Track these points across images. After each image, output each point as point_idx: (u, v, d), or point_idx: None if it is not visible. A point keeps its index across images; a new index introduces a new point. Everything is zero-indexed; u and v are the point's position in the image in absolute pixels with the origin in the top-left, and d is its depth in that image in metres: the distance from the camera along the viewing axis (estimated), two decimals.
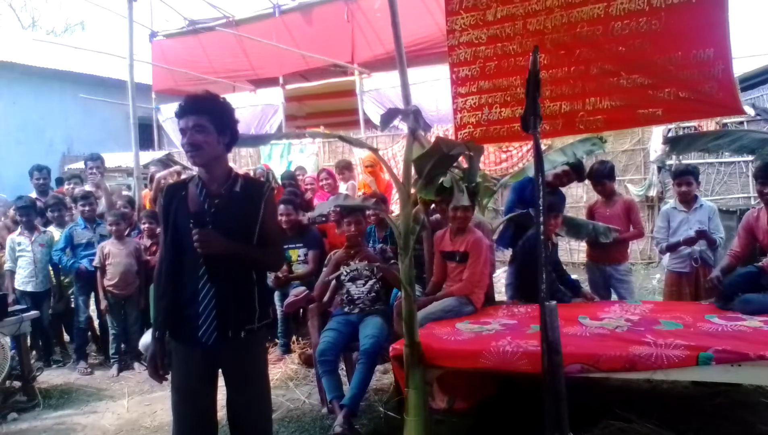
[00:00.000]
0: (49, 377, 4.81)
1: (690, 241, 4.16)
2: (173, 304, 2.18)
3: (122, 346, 5.12)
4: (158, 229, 4.99)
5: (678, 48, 3.07)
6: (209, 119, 2.13)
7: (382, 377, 4.23)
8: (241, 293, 2.16)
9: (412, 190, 3.08)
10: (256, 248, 2.15)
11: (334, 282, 3.99)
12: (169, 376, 2.25)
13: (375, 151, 3.82)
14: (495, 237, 4.70)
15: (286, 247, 5.01)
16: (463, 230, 3.80)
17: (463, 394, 3.48)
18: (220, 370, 2.22)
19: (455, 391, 3.46)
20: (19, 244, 5.10)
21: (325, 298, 4.09)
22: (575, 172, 4.58)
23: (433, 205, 4.28)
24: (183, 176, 5.02)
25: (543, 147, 2.84)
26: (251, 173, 6.91)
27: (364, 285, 3.88)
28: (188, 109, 2.13)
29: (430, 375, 3.03)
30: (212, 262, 2.10)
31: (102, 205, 5.57)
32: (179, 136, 2.19)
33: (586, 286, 4.54)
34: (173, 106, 11.33)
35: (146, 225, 5.21)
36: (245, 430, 2.22)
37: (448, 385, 3.42)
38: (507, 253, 5.46)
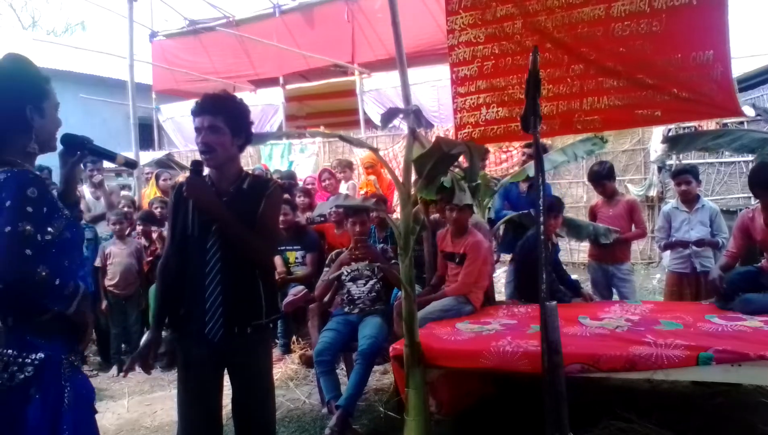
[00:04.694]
0: None
1: (687, 245, 4.17)
2: (179, 300, 2.18)
3: (122, 346, 5.12)
4: (152, 230, 5.04)
5: (678, 50, 3.07)
6: (224, 120, 2.11)
7: (382, 377, 4.23)
8: (248, 289, 2.15)
9: (412, 190, 3.09)
10: (244, 227, 2.09)
11: (335, 282, 3.99)
12: (156, 370, 2.25)
13: (375, 151, 3.83)
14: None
15: (283, 248, 5.01)
16: (463, 231, 3.81)
17: (454, 398, 3.48)
18: (225, 369, 2.23)
19: (447, 395, 3.46)
20: None
21: (326, 298, 4.09)
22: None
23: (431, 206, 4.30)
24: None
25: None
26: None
27: (364, 285, 3.88)
28: (204, 108, 2.12)
29: (430, 375, 3.03)
30: (220, 259, 2.11)
31: (101, 206, 5.58)
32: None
33: (586, 286, 4.55)
34: (173, 106, 11.40)
35: (140, 227, 5.21)
36: (250, 429, 2.22)
37: (440, 388, 3.41)
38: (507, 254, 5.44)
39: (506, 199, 4.85)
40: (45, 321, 1.63)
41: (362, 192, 6.12)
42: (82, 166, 2.16)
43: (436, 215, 4.39)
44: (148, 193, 6.64)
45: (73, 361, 1.70)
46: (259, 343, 2.22)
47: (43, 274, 1.56)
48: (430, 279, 4.12)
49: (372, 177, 6.70)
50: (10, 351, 1.59)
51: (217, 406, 2.22)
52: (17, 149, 1.67)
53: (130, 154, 7.02)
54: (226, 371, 2.23)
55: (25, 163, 1.67)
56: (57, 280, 1.61)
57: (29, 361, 1.59)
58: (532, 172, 4.17)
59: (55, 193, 1.76)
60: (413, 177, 3.05)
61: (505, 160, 8.76)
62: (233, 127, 2.14)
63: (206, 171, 2.24)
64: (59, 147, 1.88)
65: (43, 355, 1.61)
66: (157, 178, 6.61)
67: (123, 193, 7.08)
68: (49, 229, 1.60)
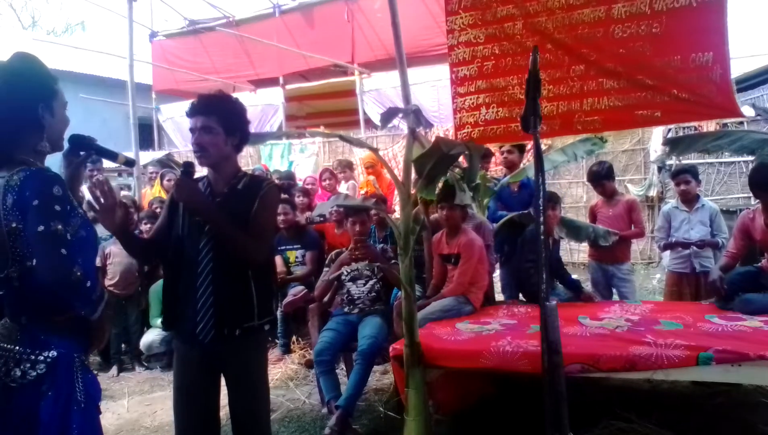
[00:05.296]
0: None
1: (687, 246, 4.18)
2: (173, 299, 2.19)
3: (122, 346, 5.12)
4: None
5: (677, 51, 3.08)
6: (218, 120, 2.11)
7: (382, 377, 4.23)
8: (240, 290, 2.13)
9: (412, 190, 3.09)
10: (235, 227, 2.07)
11: (335, 282, 3.99)
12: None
13: (375, 151, 3.84)
14: None
15: (283, 248, 5.01)
16: (456, 232, 3.81)
17: (454, 398, 3.48)
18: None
19: (447, 395, 3.46)
20: None
21: (326, 299, 4.09)
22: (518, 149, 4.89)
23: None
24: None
25: (543, 147, 2.84)
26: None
27: (364, 285, 3.88)
28: (198, 109, 2.13)
29: (430, 375, 3.03)
30: (212, 260, 2.11)
31: None
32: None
33: (586, 286, 4.54)
34: (173, 106, 11.37)
35: (147, 226, 5.20)
36: (244, 431, 2.22)
37: (440, 388, 3.40)
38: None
39: (499, 200, 4.87)
40: (61, 321, 1.64)
41: (362, 192, 6.14)
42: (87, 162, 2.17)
43: (436, 215, 4.39)
44: (153, 193, 6.65)
45: (84, 361, 1.71)
46: (253, 345, 2.20)
47: (78, 274, 1.57)
48: (430, 279, 4.12)
49: (372, 177, 6.71)
50: (23, 348, 1.60)
51: (213, 407, 2.21)
52: (29, 148, 1.67)
53: (130, 154, 7.03)
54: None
55: (38, 162, 1.67)
56: (88, 283, 1.62)
57: (42, 358, 1.60)
58: (532, 173, 4.17)
59: None
60: (413, 177, 3.05)
61: (493, 155, 8.73)
62: (227, 127, 2.14)
63: (204, 171, 2.24)
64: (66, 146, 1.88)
65: (55, 353, 1.61)
66: (162, 178, 6.62)
67: (123, 193, 7.08)
68: (67, 227, 1.61)
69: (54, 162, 1.87)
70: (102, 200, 1.99)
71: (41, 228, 1.53)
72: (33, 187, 1.57)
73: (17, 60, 1.69)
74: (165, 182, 6.46)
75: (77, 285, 1.57)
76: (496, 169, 8.59)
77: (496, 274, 4.96)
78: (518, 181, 4.72)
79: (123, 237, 2.17)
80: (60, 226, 1.56)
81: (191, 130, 2.14)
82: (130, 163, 2.22)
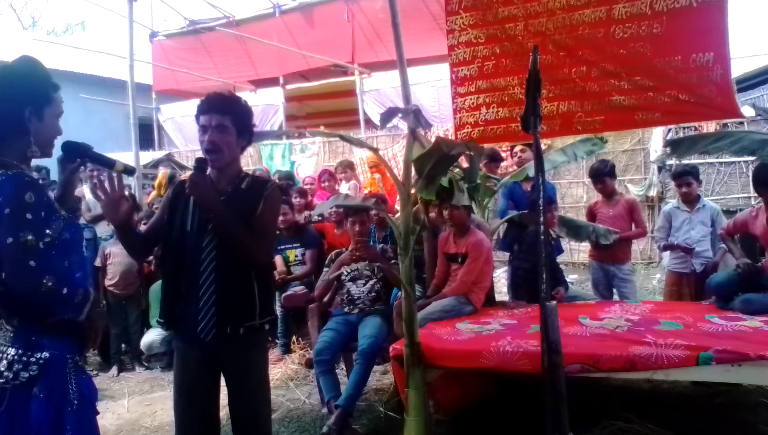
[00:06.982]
0: None
1: (687, 251, 4.18)
2: (174, 298, 2.18)
3: (122, 346, 5.12)
4: None
5: (678, 52, 3.08)
6: (232, 120, 2.12)
7: (382, 377, 4.23)
8: (242, 289, 2.14)
9: (412, 190, 3.09)
10: (242, 227, 2.08)
11: (335, 282, 3.99)
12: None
13: (375, 150, 3.83)
14: (494, 238, 4.70)
15: (283, 247, 5.01)
16: (465, 231, 3.81)
17: (454, 398, 3.48)
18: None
19: (447, 395, 3.46)
20: None
21: (326, 298, 4.09)
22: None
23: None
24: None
25: (543, 147, 2.84)
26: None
27: (364, 285, 3.88)
28: (213, 107, 2.12)
29: (430, 375, 3.03)
30: (215, 259, 2.10)
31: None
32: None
33: (587, 287, 4.54)
34: (173, 106, 11.32)
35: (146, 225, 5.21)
36: (244, 431, 2.22)
37: (440, 388, 3.40)
38: (506, 254, 5.45)
39: (510, 198, 4.86)
40: (51, 323, 1.63)
41: (366, 190, 6.13)
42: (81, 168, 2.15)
43: (433, 214, 4.38)
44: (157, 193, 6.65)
45: (78, 361, 1.71)
46: (253, 345, 2.20)
47: (50, 284, 1.55)
48: (430, 279, 4.12)
49: (377, 175, 6.72)
50: (15, 350, 1.60)
51: (213, 407, 2.21)
52: (14, 151, 1.66)
53: (130, 154, 7.05)
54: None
55: (21, 165, 1.65)
56: (65, 290, 1.60)
57: (34, 360, 1.59)
58: (531, 172, 4.18)
59: (51, 195, 1.75)
60: (413, 177, 3.05)
61: (505, 160, 8.75)
62: (240, 128, 2.15)
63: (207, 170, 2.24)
64: (58, 154, 1.87)
65: (48, 355, 1.61)
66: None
67: None
68: (48, 231, 1.59)
69: (53, 164, 1.87)
70: (109, 191, 1.96)
71: (10, 240, 1.52)
72: (5, 194, 1.55)
73: (18, 61, 1.68)
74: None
75: (49, 295, 1.56)
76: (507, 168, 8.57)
77: (497, 273, 4.96)
78: (523, 178, 4.71)
79: (124, 232, 2.14)
80: (30, 237, 1.54)
81: (203, 127, 2.12)
82: (129, 171, 2.11)
